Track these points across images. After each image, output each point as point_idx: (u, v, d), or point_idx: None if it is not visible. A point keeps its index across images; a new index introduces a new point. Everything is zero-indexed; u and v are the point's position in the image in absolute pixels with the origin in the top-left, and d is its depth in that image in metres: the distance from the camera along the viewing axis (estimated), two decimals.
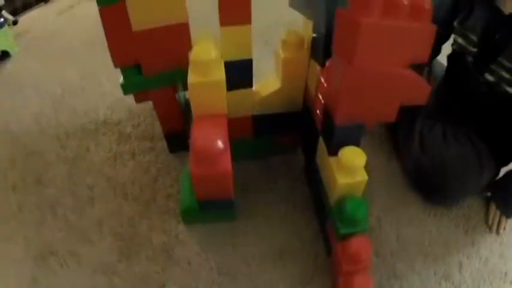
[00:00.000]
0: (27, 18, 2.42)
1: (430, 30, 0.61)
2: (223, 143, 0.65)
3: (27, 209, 0.96)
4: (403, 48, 0.62)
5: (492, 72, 0.86)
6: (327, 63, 0.74)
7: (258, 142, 0.92)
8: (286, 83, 0.82)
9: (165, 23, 0.78)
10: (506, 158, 0.98)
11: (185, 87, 0.80)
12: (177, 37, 0.80)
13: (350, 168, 0.70)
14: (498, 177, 1.00)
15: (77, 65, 1.56)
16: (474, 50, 0.88)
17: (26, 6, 2.70)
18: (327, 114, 0.73)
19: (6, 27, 2.10)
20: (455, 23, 0.91)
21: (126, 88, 0.87)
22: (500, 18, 0.82)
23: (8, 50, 2.01)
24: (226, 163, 0.66)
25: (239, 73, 0.78)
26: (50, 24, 2.29)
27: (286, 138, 0.95)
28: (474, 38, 0.88)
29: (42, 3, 2.65)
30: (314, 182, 0.88)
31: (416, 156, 0.97)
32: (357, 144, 0.73)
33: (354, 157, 0.70)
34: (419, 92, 0.69)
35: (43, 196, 0.99)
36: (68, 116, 1.22)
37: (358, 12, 0.58)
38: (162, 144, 1.03)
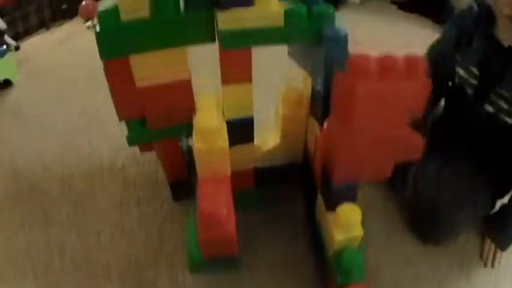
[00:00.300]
0: (28, 45, 2.45)
1: (425, 85, 0.64)
2: (229, 207, 0.68)
3: (35, 248, 1.00)
4: (400, 106, 0.66)
5: (492, 103, 0.89)
6: (325, 123, 0.77)
7: (260, 192, 0.95)
8: (285, 138, 0.86)
9: (167, 80, 0.81)
10: (502, 190, 1.01)
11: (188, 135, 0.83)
12: (180, 93, 0.84)
13: (347, 225, 0.73)
14: (494, 210, 1.02)
15: (79, 100, 1.60)
16: (474, 82, 0.91)
17: (28, 31, 2.73)
18: (325, 171, 0.77)
19: (8, 55, 2.11)
20: (457, 56, 0.95)
21: (131, 141, 0.90)
22: (498, 49, 0.85)
23: (10, 78, 2.03)
24: (231, 226, 0.69)
25: (241, 130, 0.81)
26: (52, 53, 2.31)
27: (287, 188, 0.98)
28: (474, 69, 0.91)
29: (44, 29, 2.68)
30: (314, 231, 0.91)
31: (411, 197, 1.00)
32: (353, 199, 0.76)
33: (350, 214, 0.74)
34: (415, 149, 0.72)
35: (50, 236, 1.03)
36: (72, 156, 1.25)
37: (356, 76, 0.61)
38: (166, 191, 1.06)
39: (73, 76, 1.89)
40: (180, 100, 0.83)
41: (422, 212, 0.98)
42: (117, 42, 0.75)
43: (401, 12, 2.26)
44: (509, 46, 0.84)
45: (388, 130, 0.68)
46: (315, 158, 0.82)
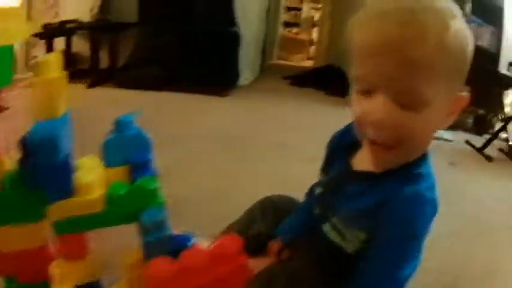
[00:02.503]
0: None
1: (242, 265, 0.70)
2: None
3: None
4: None
5: (329, 222, 0.85)
6: None
7: None
8: None
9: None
10: None
11: None
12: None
13: None
14: None
15: None
16: (322, 200, 0.90)
17: None
18: None
19: None
20: (321, 175, 0.96)
21: None
22: (350, 173, 0.84)
23: None
24: None
25: None
26: None
27: None
28: (323, 189, 0.90)
29: None
30: None
31: None
32: None
33: None
34: None
35: None
36: None
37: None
38: None
39: None
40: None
41: None
42: None
43: (294, 88, 2.27)
44: (357, 170, 0.83)
45: None
46: None
